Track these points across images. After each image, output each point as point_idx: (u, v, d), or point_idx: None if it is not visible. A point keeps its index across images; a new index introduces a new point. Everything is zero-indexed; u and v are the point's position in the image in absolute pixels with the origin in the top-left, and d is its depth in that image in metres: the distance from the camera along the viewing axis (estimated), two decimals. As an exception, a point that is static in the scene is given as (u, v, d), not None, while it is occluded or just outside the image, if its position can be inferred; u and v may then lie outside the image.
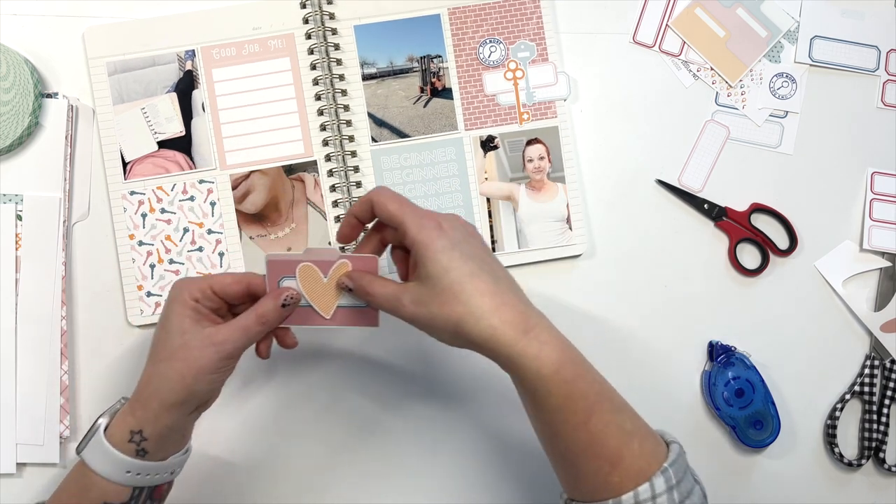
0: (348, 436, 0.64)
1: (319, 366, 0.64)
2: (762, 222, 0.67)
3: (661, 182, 0.67)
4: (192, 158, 0.64)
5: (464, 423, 0.65)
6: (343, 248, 0.61)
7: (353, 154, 0.64)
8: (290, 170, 0.64)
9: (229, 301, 0.52)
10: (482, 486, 0.64)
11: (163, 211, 0.63)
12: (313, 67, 0.64)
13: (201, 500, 0.62)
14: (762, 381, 0.65)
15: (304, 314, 0.53)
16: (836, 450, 0.66)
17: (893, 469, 0.66)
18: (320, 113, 0.64)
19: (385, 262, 0.61)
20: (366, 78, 0.65)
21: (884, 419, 0.66)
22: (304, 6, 0.64)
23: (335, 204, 0.64)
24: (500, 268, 0.50)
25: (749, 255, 0.67)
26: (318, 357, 0.64)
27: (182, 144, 0.64)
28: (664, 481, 0.45)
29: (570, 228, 0.65)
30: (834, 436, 0.66)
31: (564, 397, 0.46)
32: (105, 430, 0.49)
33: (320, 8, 0.64)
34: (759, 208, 0.67)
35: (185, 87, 0.64)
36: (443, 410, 0.65)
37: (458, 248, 0.48)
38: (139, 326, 0.63)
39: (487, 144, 0.66)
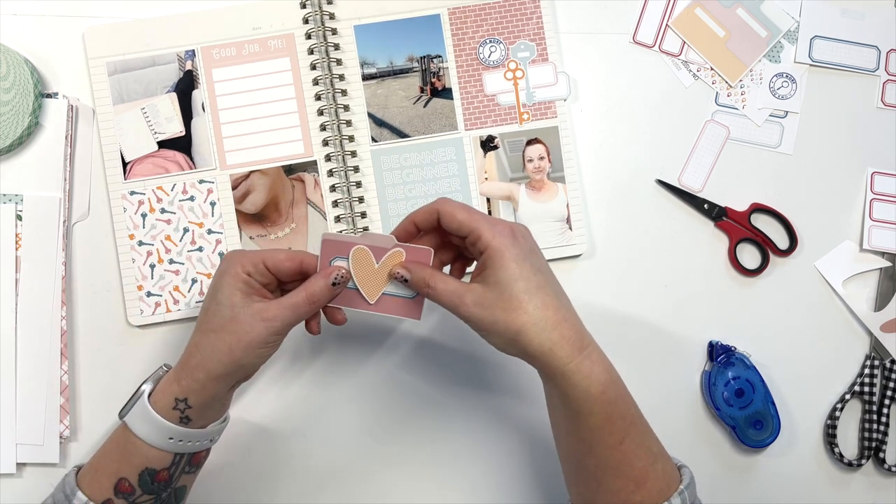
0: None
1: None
2: (762, 222, 0.67)
3: (661, 182, 0.67)
4: (192, 158, 0.64)
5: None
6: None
7: (353, 154, 0.64)
8: (290, 170, 0.64)
9: (281, 278, 0.52)
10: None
11: (163, 211, 0.63)
12: (313, 67, 0.64)
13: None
14: (762, 381, 0.65)
15: (349, 296, 0.53)
16: (836, 450, 0.66)
17: (893, 469, 0.66)
18: (320, 113, 0.64)
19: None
20: (366, 78, 0.65)
21: (884, 419, 0.66)
22: (304, 6, 0.64)
23: (335, 204, 0.64)
24: (559, 284, 0.51)
25: (749, 255, 0.67)
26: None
27: (182, 144, 0.64)
28: (681, 502, 0.48)
29: (570, 228, 0.65)
30: (834, 436, 0.66)
31: (606, 417, 0.48)
32: (149, 396, 0.50)
33: (320, 8, 0.64)
34: (759, 208, 0.67)
35: (185, 87, 0.64)
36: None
37: (528, 259, 0.49)
38: (139, 326, 0.63)
39: (487, 144, 0.66)
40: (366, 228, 0.64)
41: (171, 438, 0.49)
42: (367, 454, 0.64)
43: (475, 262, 0.52)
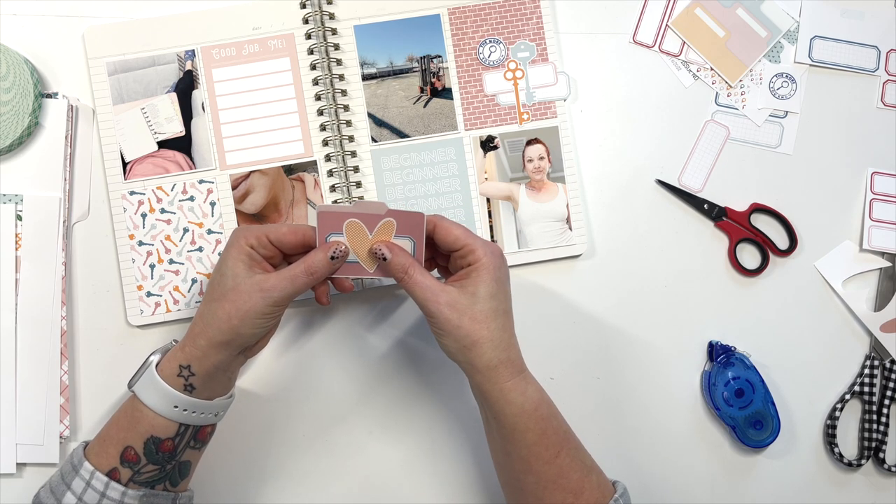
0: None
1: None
2: (762, 222, 0.67)
3: (661, 182, 0.67)
4: (192, 158, 0.64)
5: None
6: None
7: (353, 154, 0.64)
8: (289, 170, 0.64)
9: (284, 251, 0.54)
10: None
11: (163, 211, 0.63)
12: (313, 67, 0.64)
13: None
14: (762, 381, 0.65)
15: (349, 267, 0.54)
16: (836, 450, 0.66)
17: (893, 469, 0.66)
18: (320, 113, 0.64)
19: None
20: (366, 78, 0.65)
21: (883, 419, 0.66)
22: (304, 6, 0.64)
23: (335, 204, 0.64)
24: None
25: (749, 255, 0.67)
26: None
27: (182, 144, 0.64)
28: None
29: (570, 228, 0.65)
30: (834, 436, 0.66)
31: (541, 432, 0.51)
32: (157, 366, 0.52)
33: (320, 8, 0.64)
34: (759, 208, 0.67)
35: (185, 87, 0.64)
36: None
37: (505, 284, 0.53)
38: (139, 326, 0.63)
39: (487, 144, 0.66)
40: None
41: (175, 407, 0.51)
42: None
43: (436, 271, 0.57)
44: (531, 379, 0.53)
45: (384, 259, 0.53)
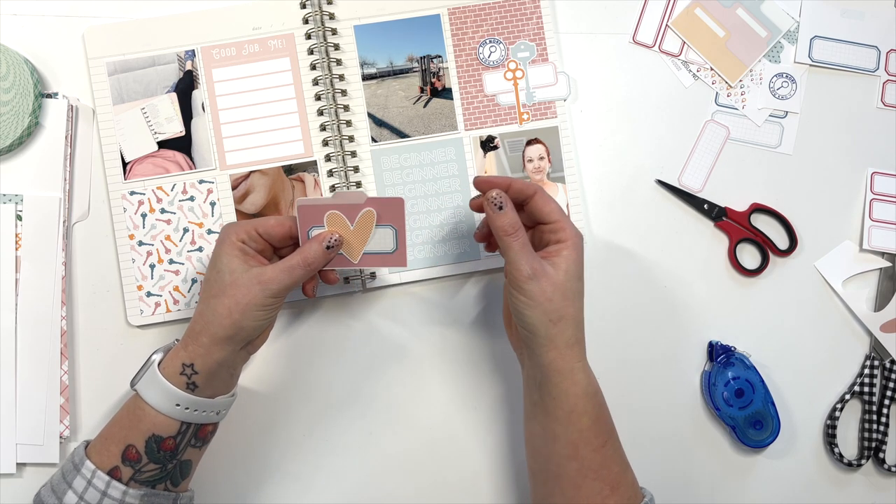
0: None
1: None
2: (762, 222, 0.67)
3: (661, 182, 0.67)
4: (192, 158, 0.64)
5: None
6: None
7: (353, 154, 0.64)
8: (290, 170, 0.64)
9: (273, 243, 0.55)
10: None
11: (163, 211, 0.63)
12: (313, 67, 0.64)
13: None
14: (762, 381, 0.65)
15: (335, 258, 0.55)
16: (836, 450, 0.66)
17: (893, 469, 0.66)
18: (320, 113, 0.64)
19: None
20: (366, 78, 0.65)
21: (883, 419, 0.66)
22: (304, 6, 0.64)
23: (335, 204, 0.64)
24: None
25: (749, 256, 0.67)
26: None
27: (182, 144, 0.64)
28: None
29: (570, 228, 0.65)
30: (834, 436, 0.66)
31: (595, 417, 0.52)
32: (159, 364, 0.52)
33: (320, 8, 0.64)
34: (759, 208, 0.67)
35: (185, 87, 0.64)
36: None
37: (582, 266, 0.54)
38: (139, 326, 0.63)
39: (487, 144, 0.66)
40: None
41: (177, 405, 0.51)
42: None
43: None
44: (589, 366, 0.53)
45: (500, 208, 0.52)
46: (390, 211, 0.54)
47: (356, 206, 0.54)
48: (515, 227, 0.52)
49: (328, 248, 0.53)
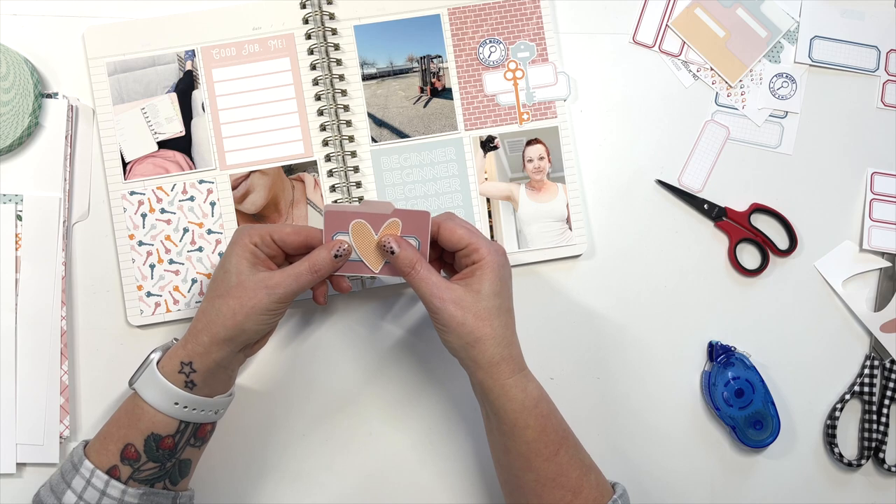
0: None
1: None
2: (762, 222, 0.67)
3: (661, 182, 0.67)
4: (192, 158, 0.64)
5: None
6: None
7: (353, 154, 0.64)
8: (290, 170, 0.64)
9: (287, 251, 0.55)
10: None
11: (163, 211, 0.63)
12: (313, 67, 0.64)
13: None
14: (762, 381, 0.65)
15: (353, 265, 0.55)
16: (836, 450, 0.66)
17: (893, 469, 0.66)
18: (320, 113, 0.64)
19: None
20: (366, 78, 0.65)
21: (883, 419, 0.66)
22: (304, 6, 0.64)
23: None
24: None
25: (749, 256, 0.67)
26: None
27: (182, 144, 0.64)
28: None
29: (570, 228, 0.65)
30: (834, 436, 0.66)
31: (541, 429, 0.52)
32: (157, 363, 0.52)
33: (320, 8, 0.64)
34: (758, 208, 0.67)
35: (185, 87, 0.64)
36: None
37: (507, 282, 0.54)
38: (139, 326, 0.63)
39: (487, 144, 0.66)
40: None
41: (176, 403, 0.51)
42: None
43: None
44: (531, 376, 0.53)
45: (392, 253, 0.53)
46: (415, 223, 0.54)
47: (382, 216, 0.54)
48: (412, 263, 0.53)
49: (336, 256, 0.53)
